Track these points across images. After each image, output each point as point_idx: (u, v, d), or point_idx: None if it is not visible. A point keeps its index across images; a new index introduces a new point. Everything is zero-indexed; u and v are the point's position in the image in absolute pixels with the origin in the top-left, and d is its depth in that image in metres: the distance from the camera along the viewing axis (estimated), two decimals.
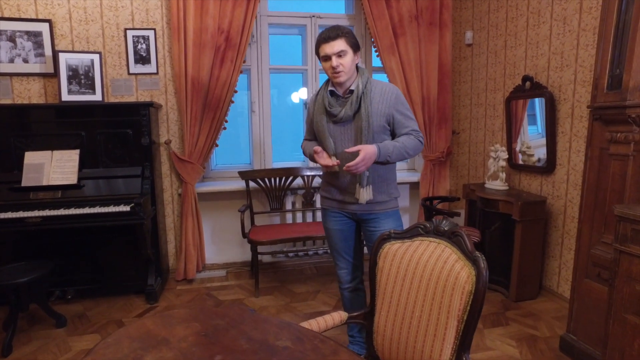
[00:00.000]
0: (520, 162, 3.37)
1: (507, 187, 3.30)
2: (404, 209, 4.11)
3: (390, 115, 1.95)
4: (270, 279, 3.57)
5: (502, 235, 3.17)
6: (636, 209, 1.80)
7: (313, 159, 2.01)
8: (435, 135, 3.82)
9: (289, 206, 3.76)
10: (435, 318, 1.36)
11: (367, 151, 1.81)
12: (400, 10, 3.60)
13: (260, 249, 3.31)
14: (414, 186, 4.05)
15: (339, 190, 2.03)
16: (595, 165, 2.21)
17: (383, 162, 1.91)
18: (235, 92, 3.48)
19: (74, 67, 3.12)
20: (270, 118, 3.83)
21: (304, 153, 2.17)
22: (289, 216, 3.80)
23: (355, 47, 1.92)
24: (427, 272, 1.41)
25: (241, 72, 3.47)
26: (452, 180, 4.11)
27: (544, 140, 3.12)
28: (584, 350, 2.29)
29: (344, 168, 1.82)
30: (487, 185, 3.39)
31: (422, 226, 1.54)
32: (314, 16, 3.80)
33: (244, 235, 3.26)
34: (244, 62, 3.50)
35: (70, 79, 3.11)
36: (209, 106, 3.40)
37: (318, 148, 1.94)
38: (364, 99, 1.90)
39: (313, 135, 2.10)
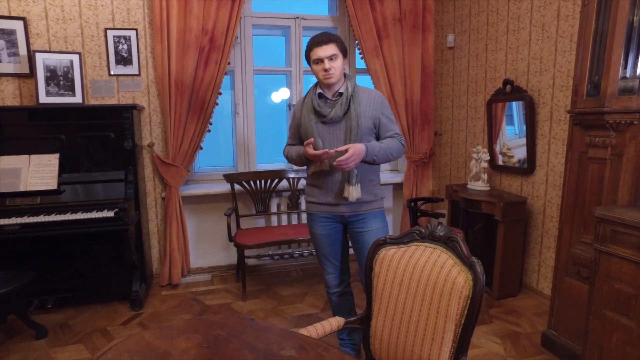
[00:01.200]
0: (501, 163, 3.47)
1: (488, 188, 3.39)
2: (387, 209, 4.16)
3: (377, 118, 2.05)
4: (256, 282, 3.56)
5: (484, 235, 3.26)
6: (615, 211, 1.89)
7: (301, 159, 2.04)
8: (419, 136, 3.88)
9: (274, 208, 3.75)
10: (433, 322, 1.39)
11: (356, 148, 1.89)
12: (384, 13, 3.64)
13: (247, 252, 3.30)
14: (397, 187, 4.11)
15: (327, 192, 2.06)
16: (575, 168, 2.31)
17: (370, 162, 1.98)
18: (220, 94, 3.45)
19: (52, 67, 3.02)
20: (254, 120, 3.81)
21: (289, 158, 2.18)
22: (274, 218, 3.79)
23: (345, 53, 2.04)
24: (424, 278, 1.45)
25: (225, 73, 3.44)
26: (435, 180, 4.19)
27: (522, 141, 3.23)
28: (564, 345, 2.38)
29: (334, 163, 1.88)
30: (469, 186, 3.48)
31: (417, 231, 1.57)
32: (298, 17, 3.79)
33: (231, 239, 3.24)
34: (228, 63, 3.46)
35: (48, 80, 3.01)
36: (194, 108, 3.36)
37: (309, 139, 1.93)
38: (353, 100, 2.00)
39: (297, 140, 2.15)
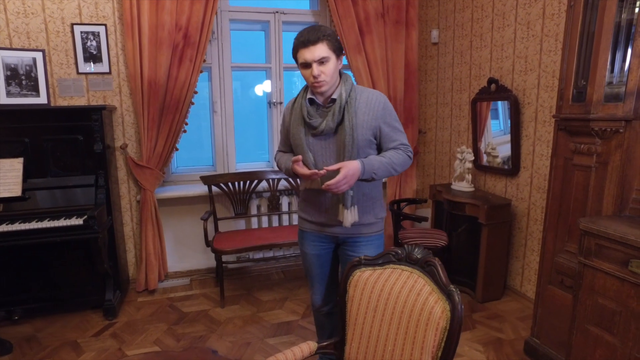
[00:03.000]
0: (485, 163, 3.40)
1: (473, 189, 3.33)
2: None
3: (377, 127, 1.73)
4: (236, 287, 3.47)
5: (468, 238, 3.20)
6: (600, 223, 1.82)
7: (290, 174, 1.80)
8: None
9: (254, 210, 3.64)
10: (409, 353, 1.32)
11: (349, 168, 1.61)
12: (367, 7, 3.51)
13: (227, 255, 3.19)
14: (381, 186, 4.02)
15: (320, 211, 1.83)
16: (560, 174, 2.24)
17: (367, 180, 1.71)
18: (196, 92, 3.30)
19: (12, 66, 2.84)
20: (233, 118, 3.67)
21: (279, 167, 1.92)
22: (254, 220, 3.69)
23: (339, 52, 1.70)
24: (400, 304, 1.37)
25: (201, 71, 3.29)
26: (419, 179, 4.12)
27: (506, 137, 3.15)
28: (547, 354, 2.34)
29: (323, 187, 1.63)
30: (453, 187, 3.41)
31: (394, 253, 1.48)
32: (277, 12, 3.64)
33: (208, 243, 3.12)
34: (204, 61, 3.31)
35: (8, 80, 2.83)
36: (168, 108, 3.20)
37: (298, 157, 1.69)
38: (348, 109, 1.68)
39: (289, 146, 1.89)
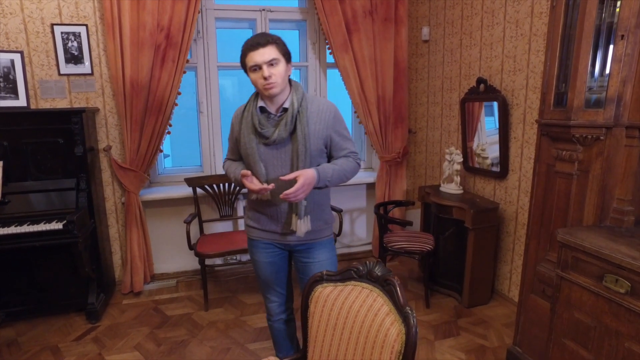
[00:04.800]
0: (476, 165, 3.32)
1: (461, 191, 3.26)
2: (361, 210, 4.04)
3: (328, 136, 1.76)
4: (222, 289, 3.45)
5: (455, 241, 3.14)
6: (577, 235, 1.76)
7: (239, 184, 1.77)
8: (392, 135, 3.72)
9: (240, 212, 3.61)
10: None
11: (306, 177, 1.63)
12: (354, 5, 3.43)
13: (210, 259, 3.17)
14: (370, 186, 3.97)
15: (271, 220, 1.82)
16: (543, 181, 2.18)
17: (321, 187, 1.74)
18: (179, 94, 3.25)
19: None
20: (219, 119, 3.62)
21: (228, 176, 1.92)
22: (241, 222, 3.65)
23: (288, 56, 1.71)
24: (358, 324, 1.32)
25: (184, 72, 3.23)
26: (409, 179, 4.06)
27: (497, 138, 3.07)
28: None
29: (281, 196, 1.62)
30: (442, 189, 3.34)
31: (355, 269, 1.44)
32: (264, 9, 3.57)
33: (191, 247, 3.10)
34: (187, 61, 3.26)
35: None
36: (151, 110, 3.16)
37: (246, 172, 1.69)
38: (300, 118, 1.69)
39: (238, 155, 1.87)
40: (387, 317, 1.27)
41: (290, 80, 1.77)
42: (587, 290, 1.68)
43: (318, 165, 1.75)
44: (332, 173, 1.74)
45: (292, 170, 1.71)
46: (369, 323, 1.29)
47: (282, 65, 1.67)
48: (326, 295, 1.44)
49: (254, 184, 1.70)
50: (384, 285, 1.34)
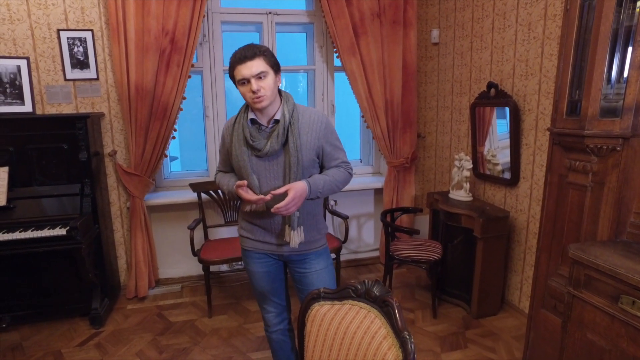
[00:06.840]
0: (487, 171, 3.22)
1: (471, 198, 3.17)
2: (368, 215, 3.97)
3: (320, 147, 1.75)
4: (226, 295, 3.42)
5: (464, 250, 3.05)
6: (591, 251, 1.67)
7: (233, 196, 1.75)
8: (400, 140, 3.64)
9: None
10: None
11: (297, 190, 1.64)
12: (362, 7, 3.36)
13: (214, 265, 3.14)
14: (378, 192, 3.90)
15: (265, 232, 1.81)
16: (555, 192, 2.08)
17: (313, 198, 1.74)
18: (184, 98, 3.23)
19: None
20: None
21: (220, 188, 1.90)
22: None
23: (276, 68, 1.68)
24: (354, 347, 1.26)
25: (189, 77, 3.21)
26: (418, 185, 3.97)
27: (508, 142, 2.96)
28: None
29: (272, 210, 1.63)
30: (450, 196, 3.26)
31: (353, 288, 1.37)
32: (270, 13, 3.53)
33: (195, 253, 3.07)
34: (193, 65, 3.23)
35: None
36: (156, 115, 3.14)
37: (242, 182, 1.68)
38: (292, 130, 1.67)
39: (229, 167, 1.85)
40: (385, 340, 1.20)
41: (280, 91, 1.75)
42: (601, 310, 1.59)
43: (310, 176, 1.74)
44: (324, 184, 1.74)
45: (284, 182, 1.71)
46: (366, 346, 1.23)
47: (270, 78, 1.65)
48: (323, 315, 1.38)
49: (249, 194, 1.68)
50: (382, 306, 1.28)
